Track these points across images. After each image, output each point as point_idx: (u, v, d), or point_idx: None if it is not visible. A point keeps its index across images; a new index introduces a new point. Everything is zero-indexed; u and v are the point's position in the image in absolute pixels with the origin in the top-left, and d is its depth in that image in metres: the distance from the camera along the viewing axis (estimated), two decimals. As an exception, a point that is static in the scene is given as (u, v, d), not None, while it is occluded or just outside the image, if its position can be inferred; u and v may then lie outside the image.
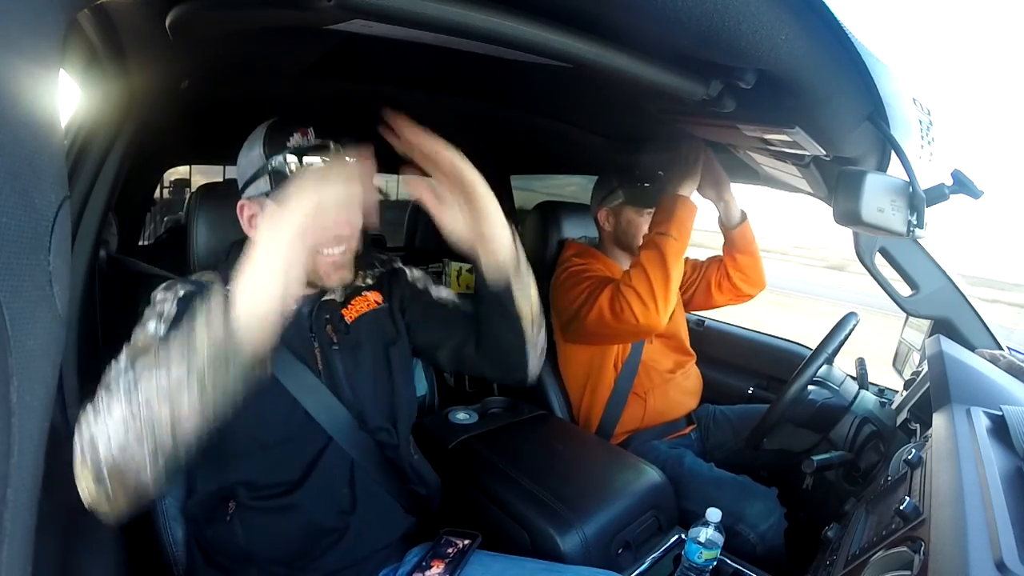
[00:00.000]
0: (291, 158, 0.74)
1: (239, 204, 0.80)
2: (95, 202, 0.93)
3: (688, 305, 1.49)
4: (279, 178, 0.75)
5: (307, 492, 0.78)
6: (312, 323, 0.83)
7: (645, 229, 1.30)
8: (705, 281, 1.44)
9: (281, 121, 0.78)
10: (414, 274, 0.96)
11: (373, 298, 0.89)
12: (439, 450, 1.13)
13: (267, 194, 0.76)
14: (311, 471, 0.78)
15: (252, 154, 0.78)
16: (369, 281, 0.92)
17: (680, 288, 1.45)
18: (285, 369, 0.77)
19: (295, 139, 0.75)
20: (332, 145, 0.77)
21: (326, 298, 0.85)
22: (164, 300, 0.76)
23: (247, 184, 0.79)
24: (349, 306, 0.86)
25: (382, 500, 0.85)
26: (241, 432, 0.74)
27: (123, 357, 0.66)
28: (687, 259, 1.50)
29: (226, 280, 0.76)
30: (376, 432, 0.85)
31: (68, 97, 0.93)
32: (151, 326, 0.72)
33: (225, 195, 0.95)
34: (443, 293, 0.94)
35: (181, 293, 0.76)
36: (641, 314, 1.12)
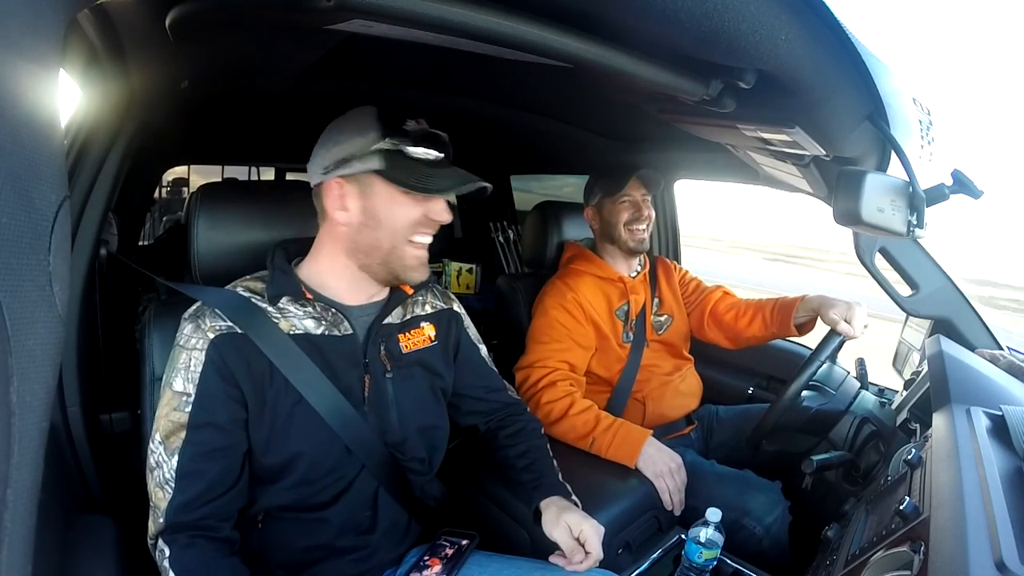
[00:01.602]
0: (409, 140, 0.73)
1: (328, 183, 0.75)
2: (95, 202, 0.93)
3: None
4: (396, 157, 0.73)
5: (333, 512, 0.78)
6: (367, 348, 0.80)
7: (624, 216, 1.29)
8: (699, 310, 1.43)
9: (386, 110, 0.76)
10: (468, 320, 0.98)
11: (428, 332, 0.89)
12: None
13: (379, 172, 0.73)
14: (341, 496, 0.79)
15: (357, 135, 0.74)
16: (428, 309, 0.91)
17: (684, 302, 1.46)
18: (329, 404, 0.75)
19: (412, 124, 0.75)
20: (445, 138, 0.77)
21: (385, 321, 0.83)
22: (190, 345, 0.72)
23: (342, 163, 0.74)
24: (407, 334, 0.85)
25: (398, 519, 0.85)
26: (285, 468, 0.75)
27: (157, 440, 0.71)
28: (693, 279, 1.50)
29: (278, 299, 0.76)
30: (410, 462, 0.85)
31: (68, 97, 0.93)
32: (178, 383, 0.71)
33: (225, 194, 0.95)
34: (487, 357, 1.00)
35: (211, 336, 0.72)
36: (542, 405, 1.16)
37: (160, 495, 0.69)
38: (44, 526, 0.53)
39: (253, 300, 0.76)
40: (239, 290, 0.77)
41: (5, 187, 0.25)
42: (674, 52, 0.61)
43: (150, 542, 0.70)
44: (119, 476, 0.96)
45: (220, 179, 3.42)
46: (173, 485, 0.69)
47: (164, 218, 4.14)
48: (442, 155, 0.75)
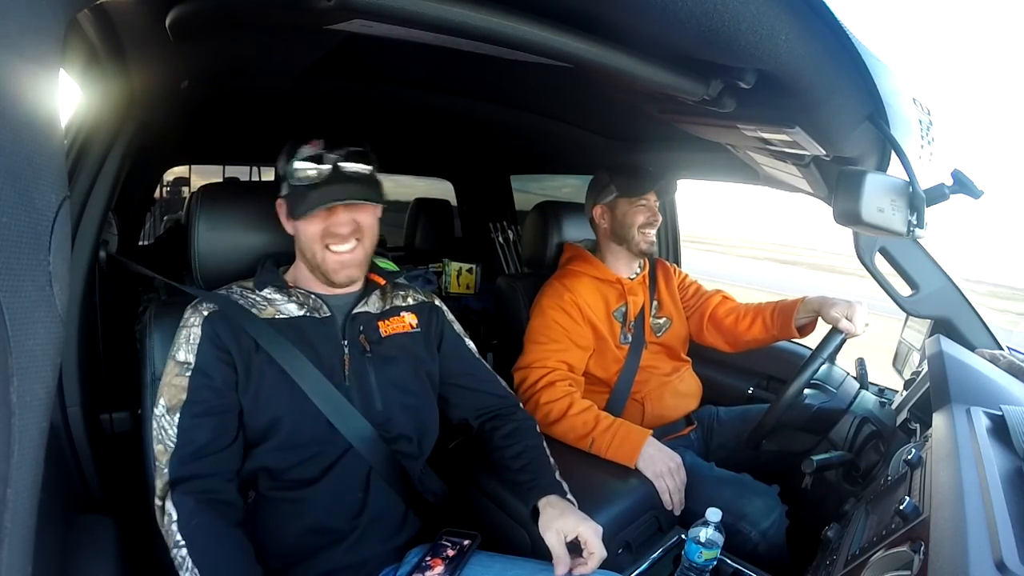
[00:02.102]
0: (298, 166, 0.80)
1: (277, 202, 0.87)
2: (95, 202, 0.93)
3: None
4: (288, 183, 0.83)
5: (322, 490, 0.80)
6: (345, 331, 0.86)
7: (640, 219, 1.30)
8: (699, 314, 1.43)
9: (302, 133, 0.84)
10: (450, 315, 1.02)
11: (409, 320, 0.94)
12: (439, 450, 1.13)
13: (284, 197, 0.84)
14: (328, 471, 0.81)
15: (280, 159, 0.85)
16: (410, 301, 0.96)
17: (683, 305, 1.46)
18: (309, 380, 0.80)
19: (305, 150, 0.81)
20: (337, 154, 0.81)
21: (360, 309, 0.89)
22: (189, 323, 0.81)
23: (279, 185, 0.87)
24: (386, 321, 0.91)
25: (392, 507, 0.86)
26: (269, 430, 0.79)
27: (161, 403, 0.78)
28: (692, 282, 1.50)
29: (263, 287, 0.86)
30: (397, 442, 0.87)
31: (68, 97, 0.93)
32: (181, 354, 0.79)
33: (225, 195, 0.95)
34: (474, 349, 1.02)
35: (206, 313, 0.81)
36: (541, 406, 1.16)
37: (162, 449, 0.76)
38: (44, 526, 0.53)
39: (238, 298, 0.84)
40: (233, 288, 0.86)
41: (5, 187, 0.25)
42: (674, 52, 0.61)
43: (157, 504, 0.74)
44: (119, 476, 0.96)
45: (220, 179, 3.42)
46: (175, 440, 0.75)
47: (164, 218, 4.13)
48: (319, 178, 0.80)
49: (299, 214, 0.80)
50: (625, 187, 1.31)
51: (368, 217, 0.85)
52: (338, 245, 0.83)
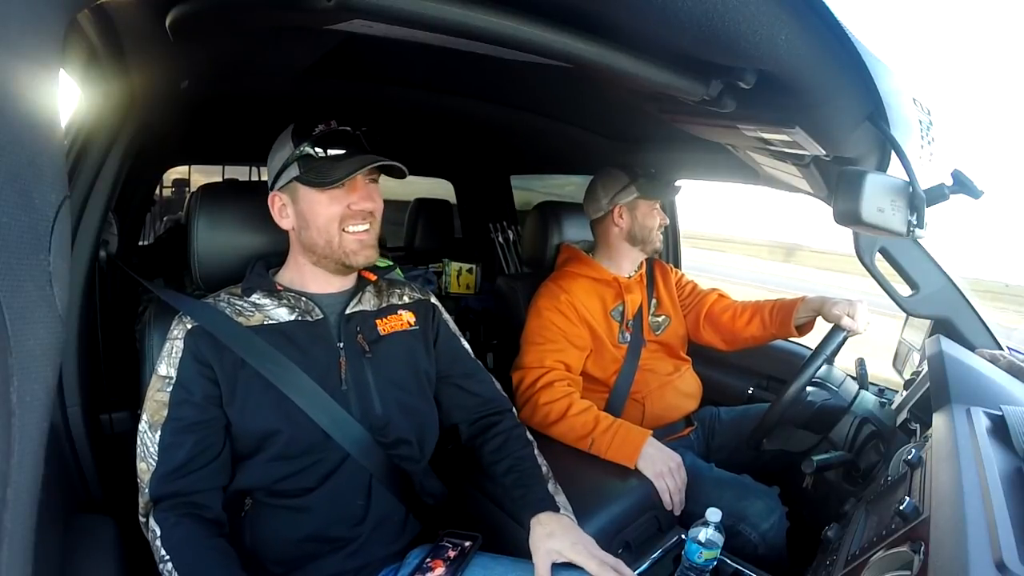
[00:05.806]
0: (323, 139, 0.80)
1: (270, 197, 0.84)
2: (95, 202, 0.93)
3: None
4: (307, 162, 0.80)
5: (321, 498, 0.79)
6: (341, 333, 0.84)
7: (657, 220, 1.33)
8: (695, 312, 1.44)
9: (307, 117, 0.83)
10: (446, 314, 1.01)
11: (407, 318, 0.93)
12: (439, 451, 1.13)
13: (296, 178, 0.80)
14: (327, 480, 0.80)
15: (282, 149, 0.83)
16: (406, 300, 0.95)
17: (679, 304, 1.46)
18: (300, 389, 0.79)
19: (320, 128, 0.81)
20: (353, 132, 0.82)
21: (355, 308, 0.87)
22: (173, 335, 0.80)
23: (277, 176, 0.83)
24: (384, 319, 0.89)
25: (394, 512, 0.85)
26: (261, 444, 0.78)
27: (144, 419, 0.77)
28: (689, 281, 1.50)
29: (251, 292, 0.84)
30: (397, 447, 0.85)
31: (68, 97, 0.93)
32: (163, 368, 0.79)
33: (225, 195, 0.95)
34: (468, 348, 1.01)
35: (189, 326, 0.80)
36: (540, 406, 1.16)
37: (144, 468, 0.75)
38: (44, 526, 0.53)
39: (225, 306, 0.82)
40: (221, 295, 0.85)
41: (5, 187, 0.25)
42: (674, 52, 0.61)
43: (141, 520, 0.74)
44: (119, 476, 0.96)
45: (220, 179, 3.41)
46: (157, 458, 0.75)
47: (165, 218, 4.13)
48: (344, 151, 0.80)
49: (330, 182, 0.78)
50: (647, 189, 1.31)
51: (379, 199, 0.84)
52: (356, 226, 0.82)
